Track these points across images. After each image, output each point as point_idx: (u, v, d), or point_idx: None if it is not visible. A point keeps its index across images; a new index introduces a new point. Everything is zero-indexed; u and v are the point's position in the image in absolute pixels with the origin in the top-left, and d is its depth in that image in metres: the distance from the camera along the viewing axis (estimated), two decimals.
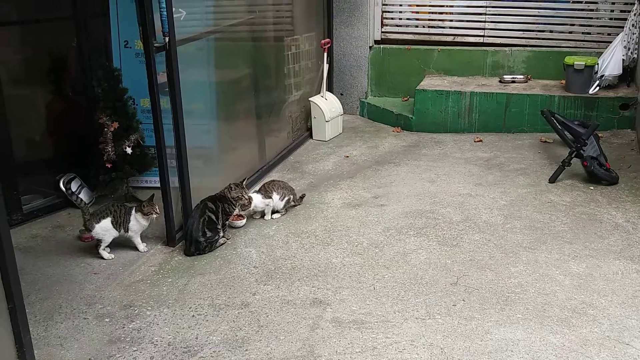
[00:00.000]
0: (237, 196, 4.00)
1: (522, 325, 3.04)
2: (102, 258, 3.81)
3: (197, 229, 3.83)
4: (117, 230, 3.80)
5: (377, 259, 3.73)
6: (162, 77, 3.77)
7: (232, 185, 4.03)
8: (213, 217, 3.89)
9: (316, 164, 5.40)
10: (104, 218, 3.77)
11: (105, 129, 4.28)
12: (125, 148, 4.32)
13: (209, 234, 3.85)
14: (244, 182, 4.13)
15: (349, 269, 3.63)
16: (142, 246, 3.90)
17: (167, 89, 3.80)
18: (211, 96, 4.68)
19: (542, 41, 6.21)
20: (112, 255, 3.84)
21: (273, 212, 4.32)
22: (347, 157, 5.54)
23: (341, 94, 6.64)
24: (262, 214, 4.31)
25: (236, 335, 3.06)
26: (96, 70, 4.47)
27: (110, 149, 4.30)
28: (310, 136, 6.07)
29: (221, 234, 3.95)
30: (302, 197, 4.52)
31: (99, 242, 3.80)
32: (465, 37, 6.46)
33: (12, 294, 2.63)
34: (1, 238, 2.53)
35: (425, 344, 2.92)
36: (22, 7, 4.45)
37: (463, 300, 3.26)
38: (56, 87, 4.71)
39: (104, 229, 3.77)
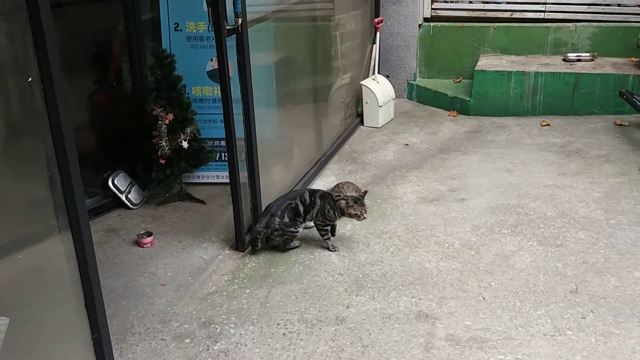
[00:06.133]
0: (356, 214, 3.42)
1: None
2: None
3: (279, 207, 3.46)
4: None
5: (476, 262, 3.35)
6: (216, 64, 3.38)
7: (353, 202, 3.42)
8: (301, 209, 3.50)
9: (375, 154, 4.99)
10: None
11: (160, 122, 3.88)
12: (182, 142, 3.92)
13: (287, 220, 3.46)
14: (365, 196, 3.56)
15: (447, 275, 3.25)
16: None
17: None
18: (269, 82, 4.26)
19: (610, 16, 5.77)
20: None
21: None
22: (407, 144, 5.13)
23: (387, 76, 6.20)
24: None
25: (339, 358, 2.69)
26: (145, 57, 4.05)
27: (164, 144, 3.91)
28: (361, 122, 5.66)
29: (299, 230, 3.54)
30: (364, 194, 3.72)
31: None
32: (524, 13, 6.02)
33: (97, 323, 2.27)
34: (87, 263, 2.16)
35: None
36: None
37: (592, 311, 2.88)
38: (99, 76, 4.29)
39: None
